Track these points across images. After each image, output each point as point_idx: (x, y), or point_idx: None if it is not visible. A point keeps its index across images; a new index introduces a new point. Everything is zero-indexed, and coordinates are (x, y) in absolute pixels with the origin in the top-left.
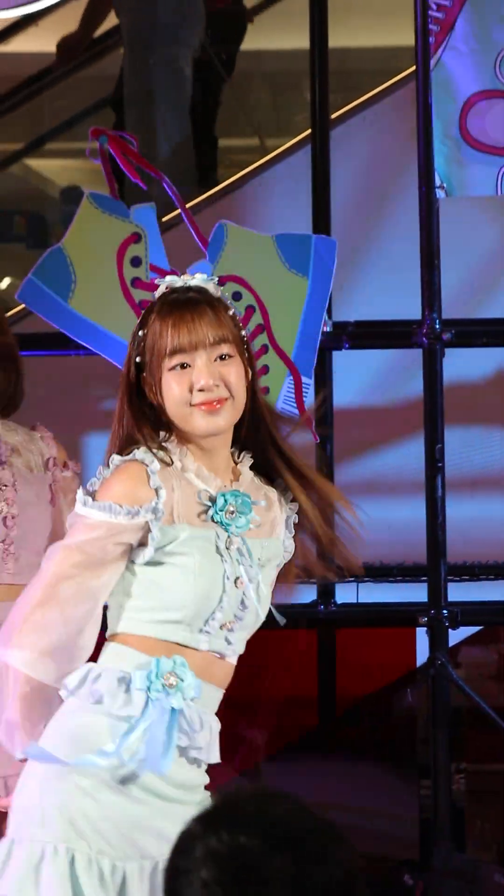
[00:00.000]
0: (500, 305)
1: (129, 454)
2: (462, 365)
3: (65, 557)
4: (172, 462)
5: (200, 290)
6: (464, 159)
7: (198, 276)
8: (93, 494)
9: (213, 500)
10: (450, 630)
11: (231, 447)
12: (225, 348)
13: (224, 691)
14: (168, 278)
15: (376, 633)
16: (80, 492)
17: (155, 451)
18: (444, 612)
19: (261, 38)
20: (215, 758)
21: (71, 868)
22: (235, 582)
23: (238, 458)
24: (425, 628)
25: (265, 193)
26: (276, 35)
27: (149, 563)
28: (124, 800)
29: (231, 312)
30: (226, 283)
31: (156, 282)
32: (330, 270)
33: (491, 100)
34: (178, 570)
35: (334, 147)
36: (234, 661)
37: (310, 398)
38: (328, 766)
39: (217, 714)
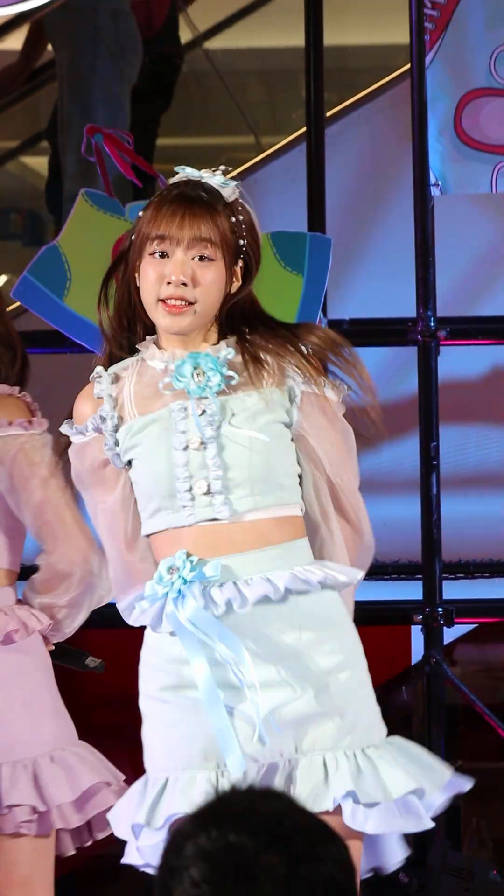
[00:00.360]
0: (495, 303)
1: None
2: (457, 363)
3: (84, 493)
4: (138, 358)
5: (210, 191)
6: (459, 157)
7: (218, 176)
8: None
9: (170, 370)
10: (445, 628)
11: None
12: (207, 250)
13: (276, 547)
14: (188, 169)
15: (371, 630)
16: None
17: (113, 351)
18: (440, 609)
19: (256, 35)
20: (282, 582)
21: (161, 792)
22: (191, 445)
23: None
24: (420, 626)
25: (261, 191)
26: (271, 33)
27: (127, 467)
28: (199, 712)
29: (236, 220)
30: None
31: (175, 168)
32: (325, 268)
33: (486, 98)
34: (138, 462)
35: (330, 145)
36: (263, 516)
37: None
38: None
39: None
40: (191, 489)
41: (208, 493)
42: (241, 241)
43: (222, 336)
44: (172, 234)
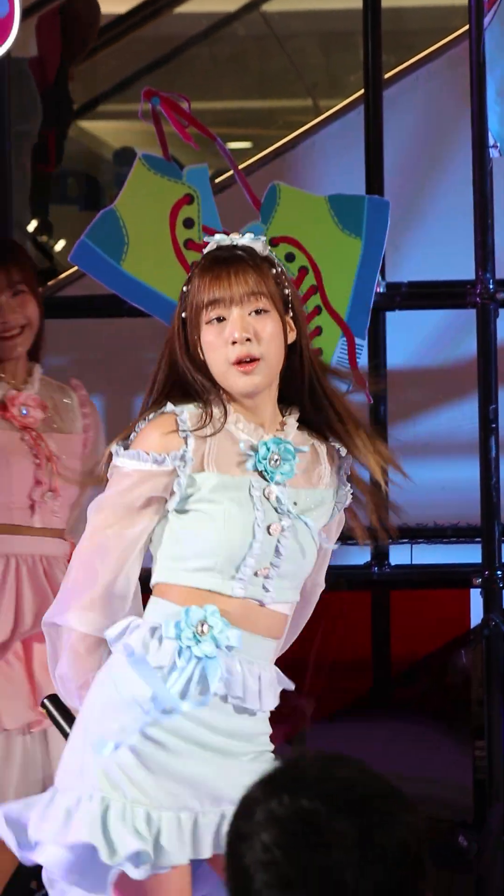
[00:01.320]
0: None
1: (161, 408)
2: None
3: (101, 509)
4: (212, 414)
5: (245, 249)
6: None
7: (247, 235)
8: (127, 445)
9: (255, 449)
10: None
11: (282, 403)
12: (261, 303)
13: (277, 641)
14: (217, 236)
15: (430, 594)
16: (114, 444)
17: (192, 405)
18: (499, 573)
19: None
20: (268, 705)
21: (104, 815)
22: (268, 529)
23: (286, 412)
24: (479, 589)
25: (318, 154)
26: None
27: (181, 512)
28: (161, 750)
29: (276, 271)
30: (279, 244)
31: (205, 239)
32: (383, 231)
33: None
34: (207, 517)
35: (387, 107)
36: (282, 610)
37: (363, 359)
38: (383, 727)
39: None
40: (255, 567)
41: (267, 577)
42: (287, 291)
43: (283, 409)
44: (224, 295)
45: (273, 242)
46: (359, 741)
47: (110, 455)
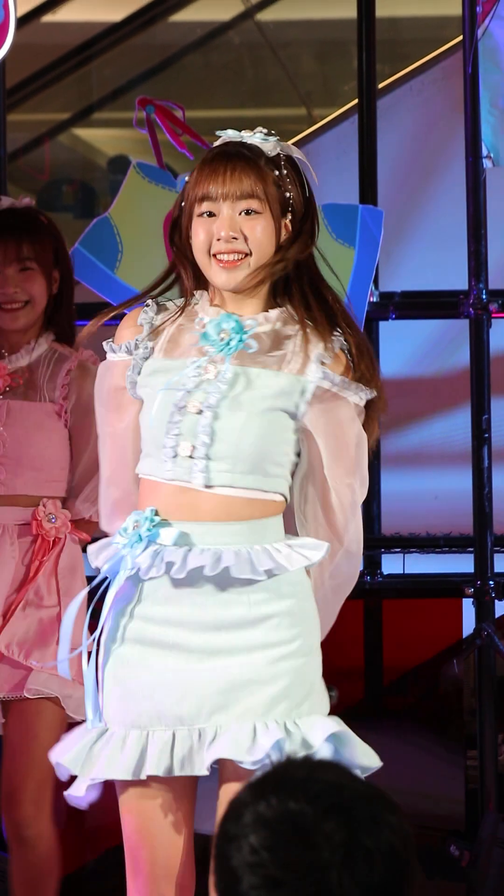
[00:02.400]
0: None
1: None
2: None
3: (96, 412)
4: (187, 303)
5: (251, 148)
6: None
7: (257, 134)
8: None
9: (203, 327)
10: (496, 601)
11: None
12: (253, 204)
13: (243, 523)
14: (229, 132)
15: (423, 603)
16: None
17: (164, 294)
18: (491, 582)
19: (308, 7)
20: (262, 568)
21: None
22: (187, 408)
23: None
24: (472, 599)
25: (312, 163)
26: (323, 4)
27: (140, 400)
28: (133, 666)
29: (279, 173)
30: None
31: (217, 133)
32: (376, 241)
33: None
34: (145, 406)
35: (381, 117)
36: (228, 493)
37: None
38: (374, 736)
39: None
40: (175, 447)
41: (190, 456)
42: (288, 194)
43: (272, 304)
44: (216, 191)
45: None
46: None
47: None
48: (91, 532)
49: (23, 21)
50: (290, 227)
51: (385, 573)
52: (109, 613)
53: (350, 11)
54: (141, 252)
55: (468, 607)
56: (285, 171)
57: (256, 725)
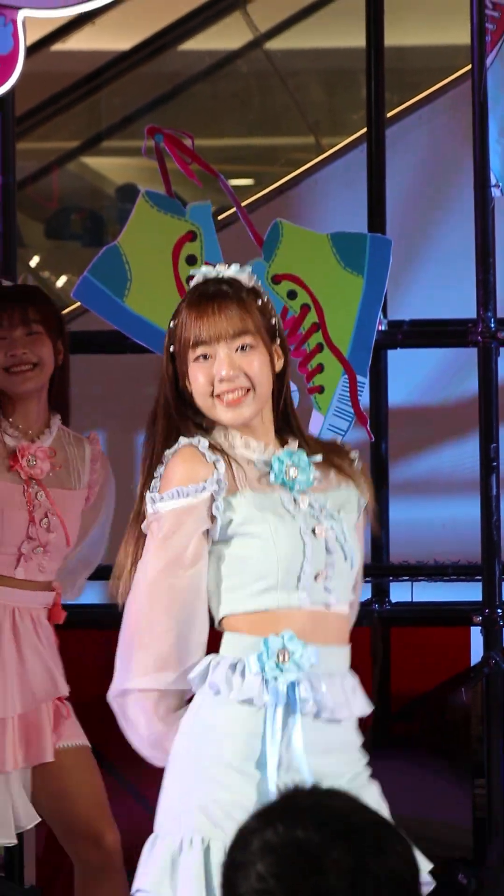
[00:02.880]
0: None
1: (175, 444)
2: None
3: (152, 563)
4: (219, 442)
5: (231, 283)
6: None
7: (232, 267)
8: (158, 491)
9: (269, 464)
10: None
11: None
12: (247, 339)
13: (348, 648)
14: (203, 269)
15: (431, 631)
16: (147, 497)
17: (200, 434)
18: (499, 610)
19: (317, 36)
20: (359, 711)
21: (205, 857)
22: (314, 532)
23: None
24: (480, 627)
25: (321, 192)
26: (332, 33)
27: (226, 540)
28: (255, 784)
29: (262, 302)
30: (281, 281)
31: (192, 272)
32: (385, 269)
33: None
34: (254, 537)
35: (390, 146)
36: (344, 610)
37: (365, 397)
38: (383, 764)
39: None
40: (314, 573)
41: (324, 577)
42: (273, 320)
43: (286, 433)
44: (210, 334)
45: (275, 280)
46: None
47: (138, 513)
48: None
49: (32, 50)
50: (281, 351)
51: (393, 601)
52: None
53: (359, 40)
54: (150, 280)
55: (476, 635)
56: (265, 299)
57: None
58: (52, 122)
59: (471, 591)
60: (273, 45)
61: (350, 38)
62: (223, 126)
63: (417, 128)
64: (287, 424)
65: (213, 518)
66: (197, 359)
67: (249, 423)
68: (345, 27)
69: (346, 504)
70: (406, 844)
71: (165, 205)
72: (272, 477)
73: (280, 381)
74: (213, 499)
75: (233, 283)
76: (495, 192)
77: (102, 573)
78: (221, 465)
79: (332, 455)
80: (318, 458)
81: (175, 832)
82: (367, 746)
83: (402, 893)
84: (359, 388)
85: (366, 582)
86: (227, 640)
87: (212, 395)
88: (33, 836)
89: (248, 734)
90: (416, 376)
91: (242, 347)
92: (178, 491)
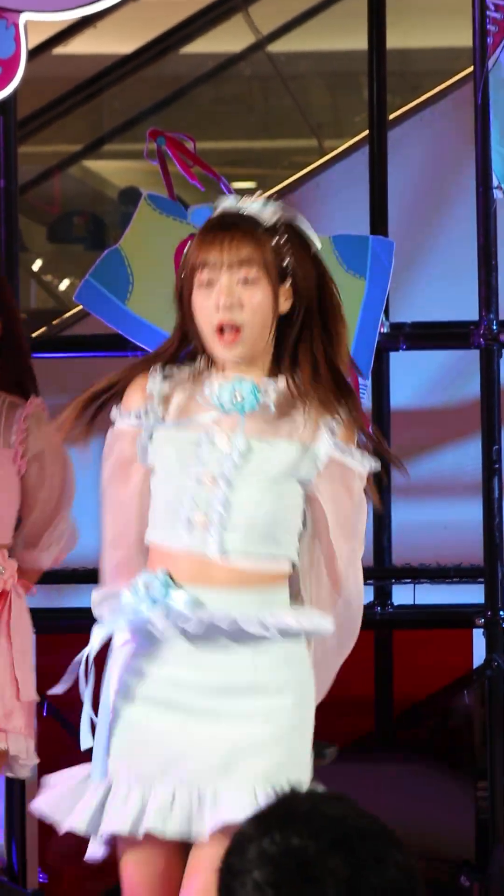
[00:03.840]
0: None
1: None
2: None
3: (103, 473)
4: (195, 369)
5: (247, 216)
6: None
7: (255, 202)
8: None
9: (214, 392)
10: None
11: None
12: (251, 272)
13: (256, 590)
14: (227, 200)
15: (433, 634)
16: None
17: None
18: (502, 613)
19: (319, 38)
20: (266, 629)
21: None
22: (201, 479)
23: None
24: (482, 630)
25: (323, 194)
26: (334, 36)
27: (150, 468)
28: (139, 723)
29: (277, 240)
30: None
31: (216, 203)
32: (387, 271)
33: None
34: (157, 470)
35: (392, 148)
36: (242, 565)
37: (367, 399)
38: (385, 767)
39: None
40: (191, 519)
41: (206, 527)
42: (286, 261)
43: (276, 372)
44: (214, 260)
45: None
46: (360, 781)
47: None
48: (35, 581)
49: (34, 53)
50: (292, 293)
51: (395, 604)
52: (116, 670)
53: (361, 43)
54: (152, 284)
55: (479, 638)
56: (284, 238)
57: (257, 791)
58: (53, 126)
59: (473, 594)
60: (275, 47)
61: (352, 40)
62: (225, 129)
63: (419, 130)
64: (296, 366)
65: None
66: (201, 284)
67: (242, 360)
68: (347, 29)
69: (282, 458)
70: (405, 852)
71: (167, 208)
72: (214, 401)
73: (290, 322)
74: (139, 430)
75: (250, 218)
76: (497, 193)
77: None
78: (157, 397)
79: (315, 404)
80: (272, 390)
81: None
82: (369, 749)
83: None
84: (361, 391)
85: (367, 585)
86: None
87: (210, 323)
88: (36, 840)
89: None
90: (418, 378)
91: (245, 280)
92: (117, 411)
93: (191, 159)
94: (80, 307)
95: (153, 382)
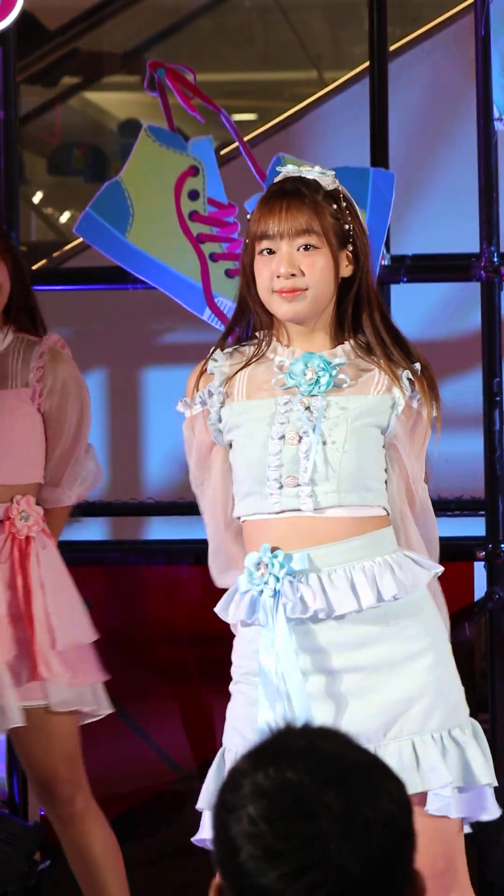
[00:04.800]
0: None
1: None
2: None
3: (191, 472)
4: (245, 349)
5: (308, 183)
6: None
7: (315, 168)
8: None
9: (286, 369)
10: None
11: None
12: (311, 239)
13: (357, 538)
14: (288, 166)
15: None
16: None
17: (230, 341)
18: (503, 546)
19: None
20: (368, 600)
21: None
22: (283, 439)
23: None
24: (483, 562)
25: (323, 126)
26: None
27: (228, 447)
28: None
29: (336, 207)
30: None
31: (279, 168)
32: (388, 204)
33: None
34: (237, 445)
35: (393, 80)
36: (341, 514)
37: None
38: None
39: None
40: (280, 478)
41: (297, 485)
42: (347, 227)
43: (341, 337)
44: (275, 229)
45: None
46: None
47: None
48: (65, 518)
49: None
50: (352, 259)
51: None
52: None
53: None
54: (152, 216)
55: (480, 571)
56: (344, 204)
57: (415, 742)
58: (53, 57)
59: (474, 527)
60: None
61: None
62: (226, 61)
63: (420, 62)
64: (358, 328)
65: (211, 428)
66: (261, 252)
67: (305, 321)
68: None
69: (362, 409)
70: (399, 784)
71: (168, 140)
72: (287, 380)
73: (349, 287)
74: (208, 411)
75: (311, 183)
76: (498, 125)
77: (103, 510)
78: (221, 377)
79: (385, 361)
80: (340, 360)
81: (224, 748)
82: None
83: (395, 835)
84: None
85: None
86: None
87: (271, 290)
88: None
89: (253, 651)
90: (419, 311)
91: (306, 247)
92: (183, 403)
93: (191, 91)
94: (81, 240)
95: (214, 363)
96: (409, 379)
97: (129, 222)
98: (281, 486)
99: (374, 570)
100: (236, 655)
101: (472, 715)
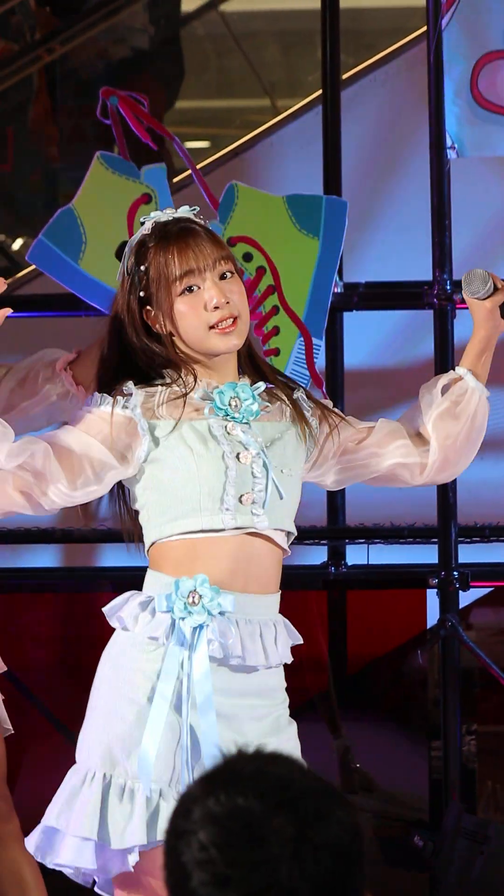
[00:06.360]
0: None
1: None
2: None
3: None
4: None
5: (189, 220)
6: (475, 120)
7: (182, 209)
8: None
9: (210, 398)
10: (460, 591)
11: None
12: (228, 266)
13: (274, 596)
14: (153, 214)
15: (387, 594)
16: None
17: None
18: (455, 573)
19: None
20: (274, 659)
21: (104, 793)
22: (238, 457)
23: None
24: (436, 590)
25: (276, 154)
26: None
27: (151, 462)
28: (167, 726)
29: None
30: (236, 243)
31: (141, 219)
32: (341, 231)
33: (502, 60)
34: (178, 460)
35: (346, 107)
36: (278, 539)
37: (321, 360)
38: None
39: None
40: (237, 496)
41: (252, 501)
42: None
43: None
44: (194, 265)
45: (231, 242)
46: (315, 740)
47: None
48: None
49: None
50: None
51: (349, 564)
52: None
53: (314, 2)
54: (105, 243)
55: (432, 598)
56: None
57: None
58: (4, 85)
59: (427, 554)
60: (228, 6)
61: None
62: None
63: (373, 90)
64: (250, 359)
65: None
66: (182, 293)
67: (238, 348)
68: None
69: (283, 438)
70: (351, 810)
71: (120, 167)
72: (215, 409)
73: None
74: (136, 424)
75: (190, 221)
76: (451, 153)
77: (51, 537)
78: (138, 408)
79: (284, 389)
80: (261, 387)
81: (82, 766)
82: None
83: (344, 860)
84: (315, 351)
85: (321, 545)
86: (148, 579)
87: (207, 326)
88: None
89: (153, 671)
90: (371, 339)
91: (223, 276)
92: (100, 398)
93: (144, 118)
94: (33, 267)
95: (134, 395)
96: (301, 398)
97: (82, 249)
98: (240, 503)
99: (279, 633)
100: (139, 674)
101: (425, 742)
